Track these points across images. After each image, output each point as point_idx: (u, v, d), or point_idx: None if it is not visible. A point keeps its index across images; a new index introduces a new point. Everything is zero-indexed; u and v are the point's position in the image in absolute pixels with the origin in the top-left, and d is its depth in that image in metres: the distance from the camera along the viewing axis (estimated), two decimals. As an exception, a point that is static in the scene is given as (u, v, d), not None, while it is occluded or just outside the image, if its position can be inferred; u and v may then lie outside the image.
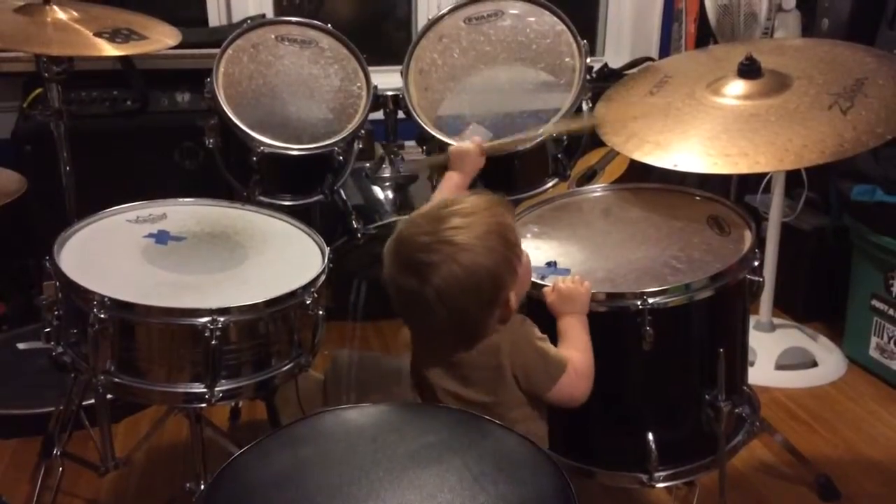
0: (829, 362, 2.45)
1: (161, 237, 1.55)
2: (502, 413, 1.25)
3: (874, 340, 2.40)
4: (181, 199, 1.71)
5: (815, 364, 2.44)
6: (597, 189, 1.76)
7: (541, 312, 1.36)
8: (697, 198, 1.65)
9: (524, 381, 1.28)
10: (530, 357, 1.28)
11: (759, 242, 1.52)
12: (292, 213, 1.72)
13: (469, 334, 1.28)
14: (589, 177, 2.75)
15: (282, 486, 0.96)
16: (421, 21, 3.02)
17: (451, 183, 1.61)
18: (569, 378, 1.29)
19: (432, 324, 1.26)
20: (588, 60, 1.83)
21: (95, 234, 1.56)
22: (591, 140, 1.82)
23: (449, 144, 1.77)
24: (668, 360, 1.41)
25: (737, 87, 1.63)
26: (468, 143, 1.64)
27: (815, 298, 2.69)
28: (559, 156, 1.78)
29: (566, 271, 1.44)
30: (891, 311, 2.32)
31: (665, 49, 3.26)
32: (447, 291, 1.21)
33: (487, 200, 1.30)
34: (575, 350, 1.32)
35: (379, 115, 1.96)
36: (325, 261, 1.51)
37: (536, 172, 1.82)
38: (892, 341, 2.34)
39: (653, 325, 1.33)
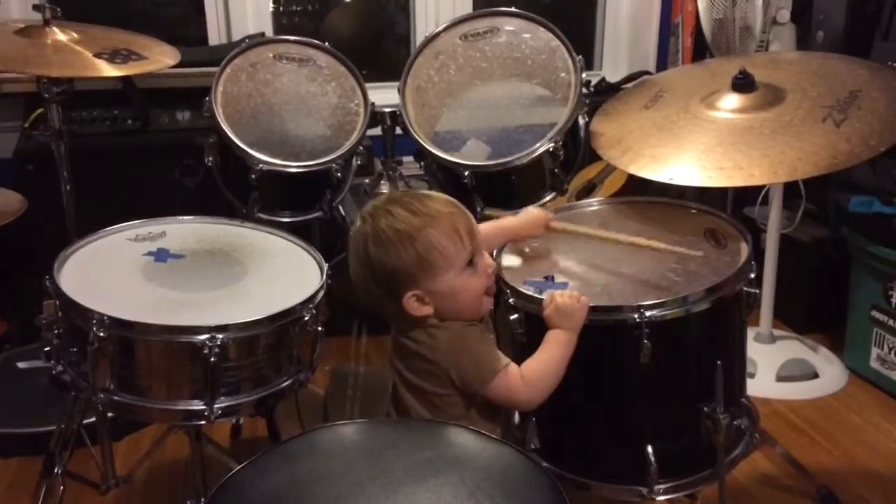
0: (830, 373, 2.45)
1: (160, 255, 1.56)
2: (443, 406, 1.34)
3: (875, 351, 2.39)
4: (180, 217, 1.72)
5: (815, 375, 2.44)
6: (593, 203, 1.76)
7: (538, 326, 1.37)
8: (694, 211, 1.66)
9: (459, 381, 1.33)
10: (463, 358, 1.33)
11: (757, 254, 1.52)
12: (291, 229, 1.73)
13: (385, 310, 1.38)
14: (588, 190, 2.76)
15: (278, 502, 0.96)
16: (420, 38, 3.03)
17: (502, 222, 1.59)
18: (505, 380, 1.33)
19: (357, 282, 1.38)
20: (584, 75, 1.85)
21: (95, 253, 1.57)
22: (590, 154, 1.83)
23: (446, 160, 1.78)
24: (665, 373, 1.41)
25: (731, 101, 1.64)
26: (546, 214, 1.59)
27: (815, 310, 2.70)
28: (556, 170, 1.79)
29: (564, 285, 1.44)
30: (891, 322, 2.33)
31: (662, 63, 3.28)
32: (356, 261, 1.36)
33: (444, 211, 1.34)
34: (536, 359, 1.35)
35: (377, 131, 1.98)
36: (324, 277, 1.51)
37: (534, 187, 1.83)
38: (892, 352, 2.34)
39: (650, 338, 1.32)
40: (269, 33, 2.98)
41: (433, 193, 1.43)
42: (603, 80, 3.11)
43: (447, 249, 1.32)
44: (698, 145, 1.57)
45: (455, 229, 1.33)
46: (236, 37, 2.92)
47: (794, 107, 1.58)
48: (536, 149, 1.75)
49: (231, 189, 1.89)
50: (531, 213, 1.60)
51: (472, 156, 1.80)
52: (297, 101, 1.91)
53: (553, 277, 1.48)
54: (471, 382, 1.33)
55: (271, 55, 1.95)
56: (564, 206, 1.75)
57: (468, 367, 1.33)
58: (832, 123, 1.50)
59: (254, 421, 2.13)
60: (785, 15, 2.29)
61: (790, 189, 2.49)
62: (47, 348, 1.44)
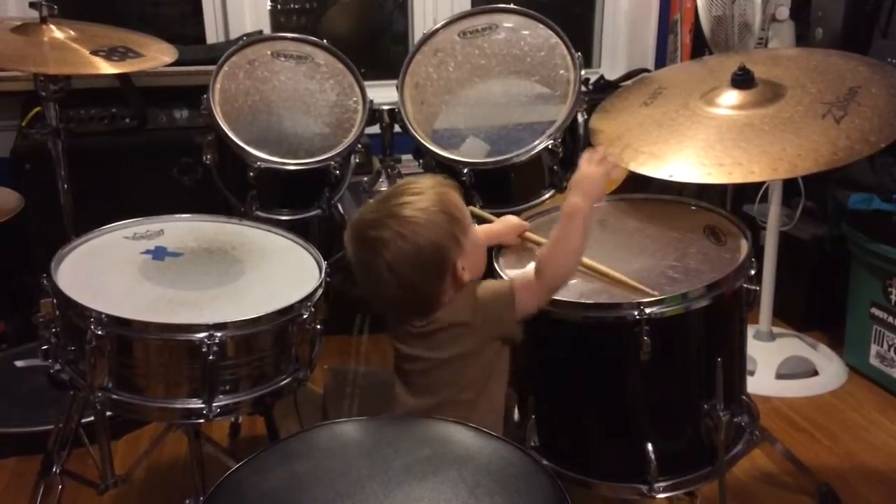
0: (830, 371, 2.45)
1: (158, 253, 1.56)
2: (458, 379, 1.35)
3: (874, 348, 2.39)
4: (178, 215, 1.71)
5: (815, 373, 2.43)
6: (592, 200, 1.75)
7: (535, 323, 1.37)
8: (693, 208, 1.65)
9: (494, 322, 1.34)
10: (484, 300, 1.35)
11: (757, 251, 1.52)
12: (290, 227, 1.73)
13: (421, 305, 1.36)
14: (587, 188, 2.75)
15: (277, 501, 0.96)
16: (418, 35, 3.02)
17: (483, 228, 1.59)
18: (523, 292, 1.35)
19: (386, 295, 1.35)
20: (583, 72, 1.84)
21: (93, 251, 1.56)
22: (588, 151, 1.83)
23: (444, 158, 1.78)
24: (666, 370, 1.41)
25: (730, 98, 1.63)
26: (521, 223, 1.61)
27: (815, 307, 2.69)
28: (555, 168, 1.79)
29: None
30: (890, 319, 2.32)
31: (661, 60, 3.28)
32: (396, 265, 1.31)
33: (433, 180, 1.40)
34: (547, 245, 1.37)
35: (376, 129, 1.97)
36: (323, 275, 1.51)
37: (533, 184, 1.82)
38: (891, 349, 2.33)
39: (650, 335, 1.32)
40: (267, 31, 2.96)
41: (406, 178, 1.46)
42: (602, 77, 3.10)
43: (460, 203, 1.39)
44: (698, 142, 1.57)
45: (452, 187, 1.40)
46: (234, 35, 2.91)
47: (793, 103, 1.57)
48: (535, 146, 1.74)
49: (229, 187, 1.89)
50: (509, 220, 1.60)
51: (471, 153, 1.80)
52: (296, 98, 1.90)
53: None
54: (501, 314, 1.34)
55: (269, 52, 1.94)
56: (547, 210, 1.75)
57: (492, 302, 1.34)
58: (832, 120, 1.49)
59: (252, 419, 2.13)
60: (784, 12, 2.28)
61: (789, 186, 2.49)
62: (45, 347, 1.44)
